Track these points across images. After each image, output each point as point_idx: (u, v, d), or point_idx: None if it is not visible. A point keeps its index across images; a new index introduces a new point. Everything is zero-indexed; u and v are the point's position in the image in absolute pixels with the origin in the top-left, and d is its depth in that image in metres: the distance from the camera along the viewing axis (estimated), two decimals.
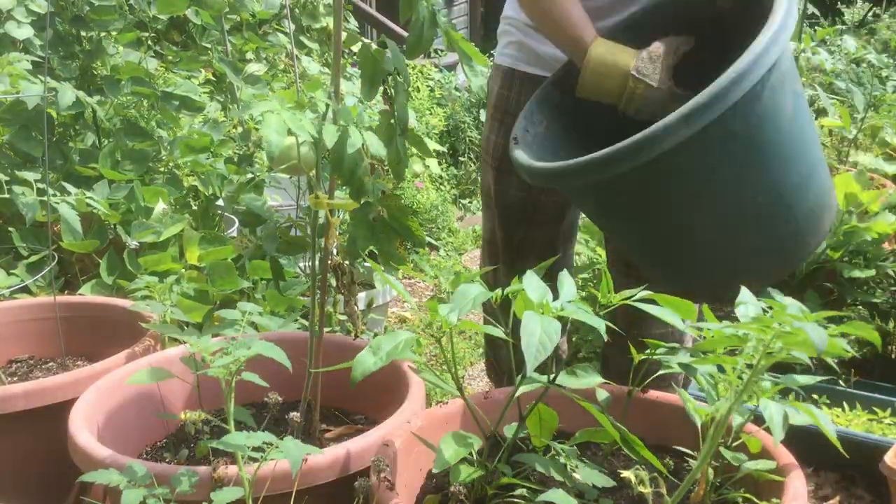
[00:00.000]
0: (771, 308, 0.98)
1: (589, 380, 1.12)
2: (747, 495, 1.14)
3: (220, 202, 2.50)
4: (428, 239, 3.78)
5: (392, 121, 1.19)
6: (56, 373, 1.65)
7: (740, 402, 0.96)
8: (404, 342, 1.07)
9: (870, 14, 7.46)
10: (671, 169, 1.18)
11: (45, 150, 1.97)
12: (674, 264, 1.40)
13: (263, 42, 3.25)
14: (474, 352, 2.89)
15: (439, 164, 4.38)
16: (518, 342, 0.96)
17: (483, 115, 3.91)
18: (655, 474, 1.14)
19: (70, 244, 2.17)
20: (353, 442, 1.27)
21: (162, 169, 2.54)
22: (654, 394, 1.38)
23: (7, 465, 1.58)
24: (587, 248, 2.50)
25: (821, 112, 3.26)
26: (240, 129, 2.77)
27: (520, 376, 1.11)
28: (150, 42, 2.83)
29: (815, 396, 2.03)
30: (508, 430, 1.19)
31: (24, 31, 2.43)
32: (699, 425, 1.12)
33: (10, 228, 2.27)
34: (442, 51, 6.45)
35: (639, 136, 1.14)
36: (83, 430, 1.33)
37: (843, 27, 6.33)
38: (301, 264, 2.48)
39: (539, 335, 0.94)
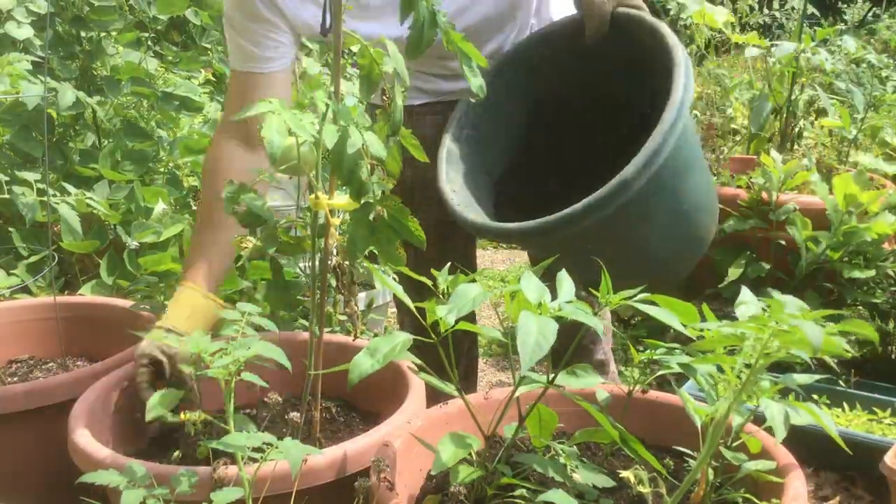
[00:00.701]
0: (769, 307, 0.98)
1: (589, 380, 1.12)
2: (747, 495, 1.14)
3: None
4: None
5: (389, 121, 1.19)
6: (56, 373, 1.65)
7: (739, 401, 0.96)
8: (402, 344, 1.07)
9: (870, 14, 7.46)
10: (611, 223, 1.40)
11: (45, 150, 1.97)
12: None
13: None
14: None
15: None
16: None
17: None
18: (655, 474, 1.14)
19: (70, 244, 2.18)
20: (353, 442, 1.27)
21: (162, 169, 2.54)
22: (654, 394, 1.38)
23: (7, 465, 1.58)
24: None
25: (821, 112, 3.26)
26: None
27: (519, 377, 1.11)
28: (149, 42, 2.83)
29: (815, 396, 2.04)
30: (508, 431, 1.19)
31: (24, 32, 2.43)
32: (699, 425, 1.12)
33: (11, 228, 2.27)
34: None
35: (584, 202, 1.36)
36: (83, 430, 1.33)
37: (844, 27, 6.33)
38: (301, 264, 2.48)
39: (535, 335, 0.94)
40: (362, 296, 2.59)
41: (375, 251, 1.27)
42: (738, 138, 3.44)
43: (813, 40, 3.00)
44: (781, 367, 1.19)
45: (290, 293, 2.25)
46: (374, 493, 1.10)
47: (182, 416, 1.20)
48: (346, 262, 1.35)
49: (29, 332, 1.94)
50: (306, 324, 2.03)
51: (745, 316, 1.05)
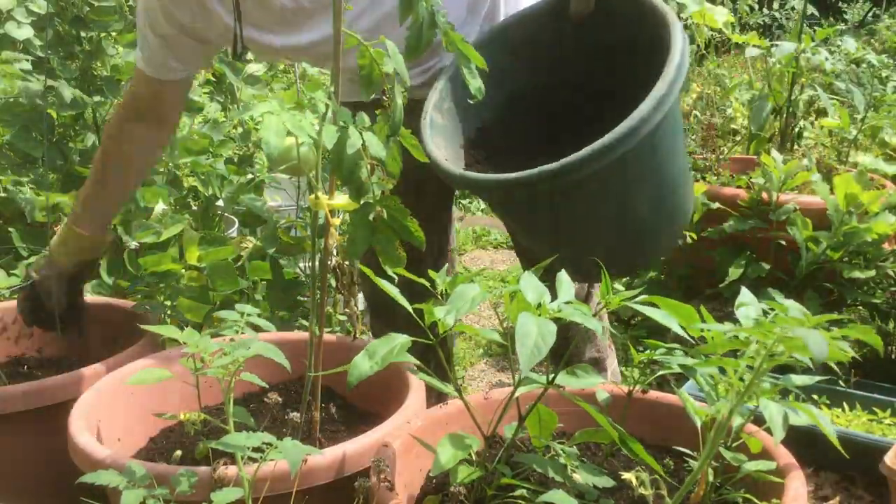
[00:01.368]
0: (773, 310, 0.98)
1: (589, 380, 1.12)
2: (747, 496, 1.14)
3: (220, 202, 2.50)
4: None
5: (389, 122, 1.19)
6: (56, 373, 1.65)
7: (741, 403, 0.96)
8: (400, 345, 1.07)
9: (870, 14, 7.46)
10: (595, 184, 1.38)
11: (45, 151, 1.97)
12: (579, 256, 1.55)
13: None
14: (473, 352, 2.89)
15: None
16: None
17: None
18: (656, 476, 1.14)
19: None
20: (353, 442, 1.27)
21: (162, 169, 2.54)
22: (654, 394, 1.38)
23: (7, 465, 1.58)
24: None
25: (821, 112, 3.26)
26: (240, 130, 2.77)
27: (518, 377, 1.11)
28: None
29: (815, 397, 2.04)
30: (508, 431, 1.19)
31: (24, 32, 2.43)
32: (699, 426, 1.12)
33: (10, 228, 2.27)
34: None
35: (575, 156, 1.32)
36: (83, 430, 1.33)
37: (844, 27, 6.33)
38: (301, 264, 2.48)
39: (534, 336, 0.93)
40: (362, 296, 2.58)
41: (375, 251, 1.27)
42: (738, 138, 3.44)
43: (813, 40, 3.00)
44: (781, 367, 1.19)
45: (290, 293, 2.26)
46: (374, 493, 1.10)
47: (181, 416, 1.21)
48: (346, 262, 1.35)
49: (28, 332, 1.94)
50: (306, 324, 2.03)
51: (746, 317, 1.04)
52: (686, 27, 3.42)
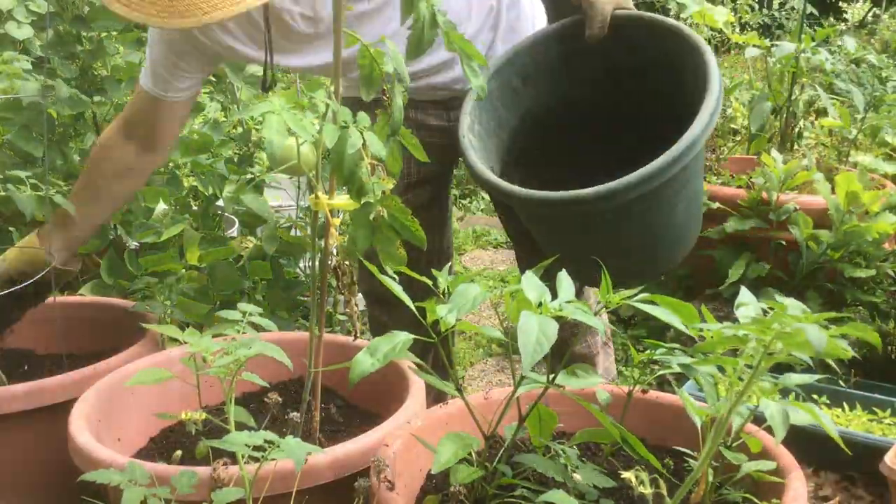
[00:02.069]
0: (772, 309, 0.98)
1: (589, 380, 1.12)
2: (747, 495, 1.14)
3: (220, 202, 2.50)
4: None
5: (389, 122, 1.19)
6: (56, 373, 1.65)
7: (741, 402, 0.96)
8: (402, 343, 1.07)
9: (870, 14, 7.46)
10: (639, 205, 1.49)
11: (45, 151, 1.97)
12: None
13: None
14: (474, 352, 2.89)
15: None
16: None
17: None
18: (656, 475, 1.14)
19: None
20: (353, 442, 1.27)
21: (162, 169, 2.54)
22: (654, 394, 1.38)
23: (7, 465, 1.58)
24: None
25: (821, 112, 3.26)
26: (240, 130, 2.77)
27: (519, 377, 1.11)
28: None
29: (815, 396, 2.04)
30: (508, 431, 1.19)
31: (24, 32, 2.42)
32: (699, 426, 1.12)
33: (11, 228, 2.27)
34: None
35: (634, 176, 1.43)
36: (83, 430, 1.33)
37: (844, 27, 6.33)
38: (301, 264, 2.48)
39: (536, 334, 0.94)
40: (362, 296, 2.58)
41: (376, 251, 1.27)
42: (738, 138, 3.44)
43: (813, 40, 3.00)
44: (781, 367, 1.19)
45: (290, 293, 2.26)
46: (374, 493, 1.10)
47: (182, 415, 1.20)
48: (347, 262, 1.35)
49: (29, 332, 1.94)
50: (306, 324, 2.03)
51: (746, 317, 1.04)
52: None
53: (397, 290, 1.15)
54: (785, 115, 3.05)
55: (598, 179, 1.45)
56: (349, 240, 1.22)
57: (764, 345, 0.92)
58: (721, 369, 1.07)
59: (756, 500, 1.13)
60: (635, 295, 1.07)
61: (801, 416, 1.05)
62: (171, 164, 2.55)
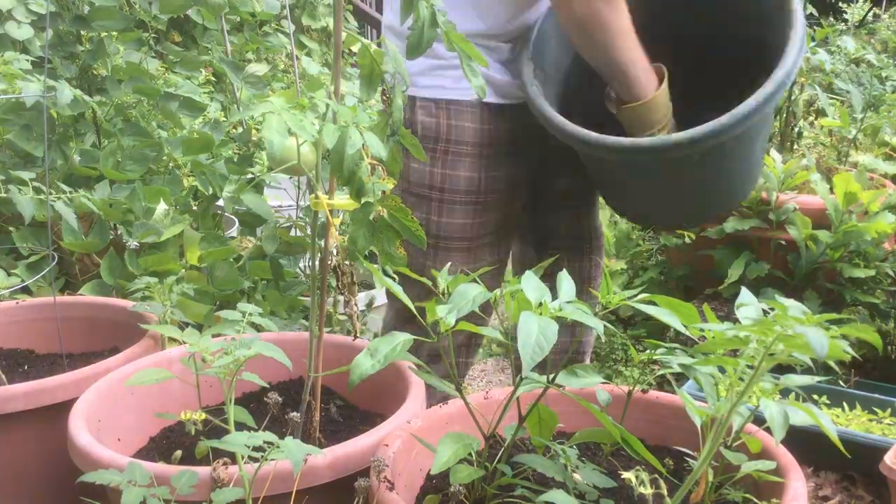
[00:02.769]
0: (773, 309, 0.98)
1: (589, 380, 1.12)
2: (747, 495, 1.14)
3: (220, 202, 2.50)
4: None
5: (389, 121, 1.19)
6: (56, 373, 1.65)
7: (741, 402, 0.96)
8: (402, 344, 1.07)
9: (870, 14, 7.46)
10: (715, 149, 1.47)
11: (45, 151, 1.97)
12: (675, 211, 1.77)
13: (264, 42, 3.25)
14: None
15: None
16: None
17: None
18: (656, 475, 1.14)
19: (70, 244, 2.18)
20: (353, 442, 1.27)
21: (162, 169, 2.54)
22: (654, 394, 1.38)
23: (7, 465, 1.58)
24: None
25: (820, 112, 3.26)
26: (240, 130, 2.77)
27: (519, 377, 1.11)
28: (150, 42, 2.83)
29: (815, 396, 2.04)
30: (508, 431, 1.19)
31: (24, 31, 2.43)
32: (699, 426, 1.12)
33: (11, 228, 2.27)
34: None
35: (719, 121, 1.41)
36: (83, 430, 1.33)
37: (844, 27, 6.33)
38: (301, 264, 2.48)
39: (536, 335, 0.94)
40: (362, 296, 2.59)
41: (376, 251, 1.27)
42: None
43: (813, 40, 3.00)
44: (781, 367, 1.19)
45: (290, 293, 2.26)
46: (374, 493, 1.10)
47: (182, 415, 1.21)
48: (347, 262, 1.35)
49: (28, 332, 1.94)
50: (306, 324, 2.03)
51: (746, 318, 1.04)
52: None
53: (396, 289, 1.15)
54: (785, 115, 3.05)
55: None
56: (349, 240, 1.22)
57: (765, 346, 0.92)
58: (721, 370, 1.07)
59: (756, 500, 1.13)
60: (635, 295, 1.07)
61: (801, 416, 1.05)
62: (171, 164, 2.56)
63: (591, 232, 1.93)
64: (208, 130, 2.53)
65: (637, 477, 1.05)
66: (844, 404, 2.03)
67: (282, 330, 1.83)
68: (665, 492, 1.08)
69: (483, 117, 1.66)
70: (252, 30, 3.28)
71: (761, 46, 1.54)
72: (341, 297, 1.59)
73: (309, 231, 2.28)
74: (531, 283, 1.06)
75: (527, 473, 1.18)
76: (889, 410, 1.98)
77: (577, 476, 1.13)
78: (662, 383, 2.11)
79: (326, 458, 1.22)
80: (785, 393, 1.85)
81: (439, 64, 1.65)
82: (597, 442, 1.31)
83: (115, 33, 2.53)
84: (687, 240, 2.57)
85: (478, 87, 1.20)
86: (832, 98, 3.18)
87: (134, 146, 2.39)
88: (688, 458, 1.27)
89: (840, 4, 7.52)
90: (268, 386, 1.57)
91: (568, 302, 1.05)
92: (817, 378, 1.22)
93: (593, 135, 1.49)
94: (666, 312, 1.03)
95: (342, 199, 1.25)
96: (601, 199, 1.94)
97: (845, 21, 6.88)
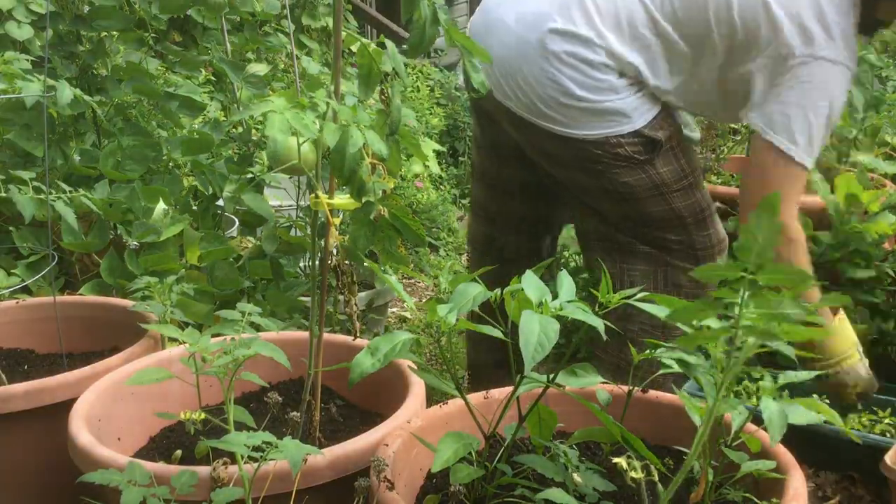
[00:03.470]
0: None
1: (589, 380, 1.12)
2: (747, 495, 1.14)
3: (220, 202, 2.50)
4: (427, 239, 3.79)
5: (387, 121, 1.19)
6: (56, 373, 1.65)
7: (732, 382, 0.95)
8: (403, 343, 1.07)
9: None
10: None
11: (45, 150, 1.97)
12: None
13: (264, 42, 3.25)
14: None
15: (439, 164, 4.38)
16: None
17: None
18: (646, 462, 1.13)
19: (70, 244, 2.17)
20: (353, 442, 1.27)
21: (162, 169, 2.54)
22: (654, 394, 1.38)
23: (7, 465, 1.58)
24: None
25: None
26: (240, 129, 2.77)
27: (519, 376, 1.11)
28: (150, 42, 2.83)
29: (815, 396, 2.03)
30: (508, 431, 1.19)
31: (24, 31, 2.43)
32: (698, 423, 1.12)
33: (10, 228, 2.27)
34: (442, 51, 6.44)
35: None
36: (83, 430, 1.33)
37: None
38: (301, 264, 2.48)
39: (537, 334, 0.94)
40: (362, 296, 2.58)
41: (376, 250, 1.27)
42: (738, 138, 3.44)
43: None
44: (782, 367, 1.19)
45: (290, 293, 2.26)
46: (374, 493, 1.10)
47: (182, 415, 1.20)
48: (347, 262, 1.35)
49: (28, 332, 1.94)
50: (306, 323, 2.03)
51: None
52: None
53: (398, 287, 1.15)
54: None
55: None
56: (350, 239, 1.22)
57: (744, 317, 0.90)
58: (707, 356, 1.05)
59: (756, 500, 1.13)
60: (633, 294, 1.07)
61: (801, 415, 1.04)
62: (171, 164, 2.56)
63: None
64: (208, 130, 2.53)
65: (629, 464, 1.04)
66: None
67: (281, 330, 1.83)
68: (656, 477, 1.08)
69: None
70: (252, 29, 3.28)
71: None
72: (341, 297, 1.59)
73: (309, 231, 2.27)
74: (531, 283, 1.06)
75: (527, 473, 1.18)
76: (889, 410, 1.98)
77: (577, 477, 1.13)
78: (663, 383, 2.11)
79: (326, 458, 1.22)
80: (788, 388, 1.85)
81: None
82: (597, 441, 1.31)
83: (115, 33, 2.53)
84: None
85: (479, 83, 1.20)
86: None
87: (134, 146, 2.39)
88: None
89: None
90: (268, 386, 1.57)
91: (568, 301, 1.05)
92: (815, 373, 1.22)
93: None
94: (660, 309, 1.03)
95: (342, 199, 1.25)
96: None
97: None
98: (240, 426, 1.15)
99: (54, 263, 1.98)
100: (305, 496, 1.18)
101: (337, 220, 1.29)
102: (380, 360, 1.04)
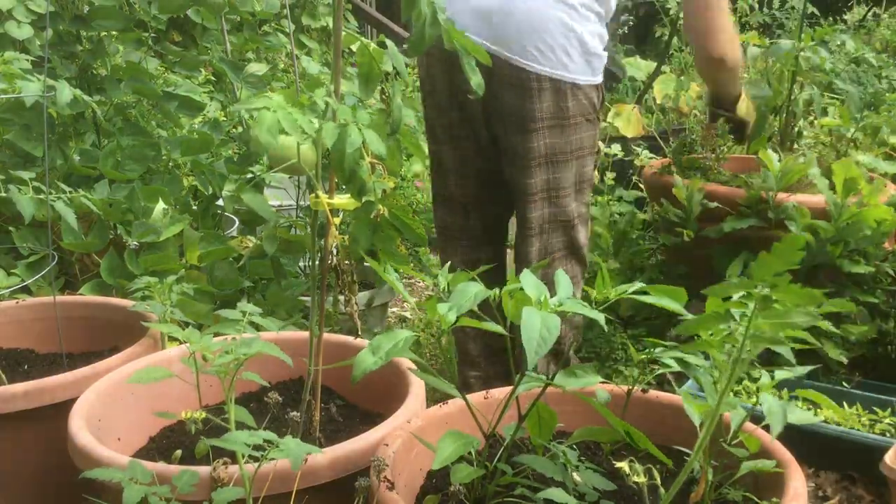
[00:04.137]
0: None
1: (588, 379, 1.12)
2: (747, 494, 1.14)
3: (220, 202, 2.50)
4: (427, 238, 3.78)
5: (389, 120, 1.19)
6: (56, 373, 1.65)
7: (733, 381, 0.95)
8: (403, 341, 1.07)
9: (870, 14, 7.46)
10: None
11: (45, 150, 1.97)
12: None
13: (263, 42, 3.25)
14: None
15: None
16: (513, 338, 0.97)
17: None
18: (650, 465, 1.14)
19: (70, 244, 2.17)
20: (353, 442, 1.27)
21: (161, 169, 2.54)
22: (653, 393, 1.38)
23: (7, 464, 1.58)
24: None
25: (823, 111, 3.26)
26: (240, 129, 2.77)
27: (519, 375, 1.11)
28: (150, 42, 2.83)
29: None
30: (508, 430, 1.19)
31: (24, 31, 2.43)
32: (697, 423, 1.12)
33: (10, 228, 2.27)
34: None
35: None
36: (83, 430, 1.33)
37: (844, 27, 6.33)
38: (301, 264, 2.48)
39: (539, 329, 0.94)
40: (362, 295, 2.58)
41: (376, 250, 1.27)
42: None
43: (812, 40, 3.00)
44: (781, 367, 1.19)
45: (290, 293, 2.26)
46: (374, 492, 1.10)
47: (182, 415, 1.21)
48: (347, 262, 1.35)
49: (28, 332, 1.94)
50: (306, 323, 2.03)
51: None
52: None
53: (399, 286, 1.15)
54: (784, 115, 3.05)
55: None
56: (351, 239, 1.22)
57: (747, 319, 0.90)
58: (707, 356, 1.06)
59: (756, 499, 1.13)
60: (629, 289, 1.07)
61: (800, 415, 1.05)
62: (170, 164, 2.56)
63: None
64: (208, 130, 2.53)
65: (632, 468, 1.05)
66: (844, 404, 2.03)
67: (282, 330, 1.83)
68: (659, 482, 1.08)
69: None
70: (252, 29, 3.28)
71: None
72: (341, 297, 1.59)
73: (309, 230, 2.27)
74: (530, 281, 1.06)
75: (527, 472, 1.18)
76: (889, 410, 1.98)
77: (577, 477, 1.13)
78: (662, 383, 2.11)
79: (326, 458, 1.22)
80: (787, 386, 1.85)
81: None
82: (597, 441, 1.31)
83: (114, 33, 2.53)
84: (686, 239, 2.56)
85: (476, 84, 1.20)
86: (833, 98, 3.18)
87: (133, 146, 2.39)
88: (688, 458, 1.26)
89: (839, 5, 7.53)
90: (268, 385, 1.57)
91: (567, 297, 1.05)
92: (810, 367, 1.22)
93: None
94: (657, 298, 1.04)
95: (342, 199, 1.25)
96: None
97: (844, 21, 6.88)
98: (240, 426, 1.15)
99: (54, 263, 1.98)
100: (305, 496, 1.18)
101: (337, 220, 1.29)
102: (381, 357, 1.04)
